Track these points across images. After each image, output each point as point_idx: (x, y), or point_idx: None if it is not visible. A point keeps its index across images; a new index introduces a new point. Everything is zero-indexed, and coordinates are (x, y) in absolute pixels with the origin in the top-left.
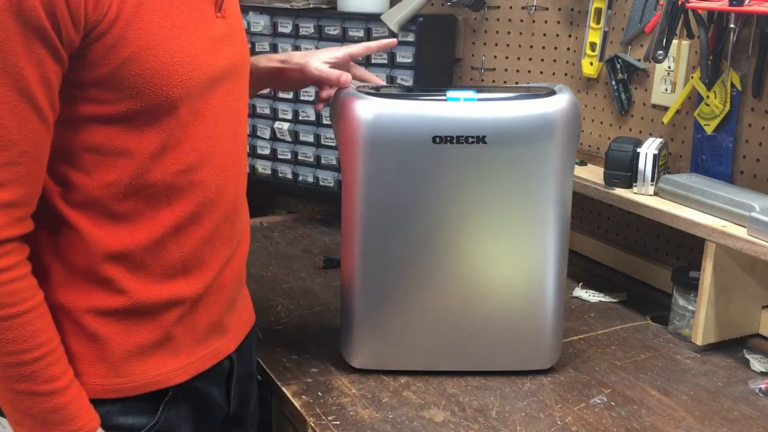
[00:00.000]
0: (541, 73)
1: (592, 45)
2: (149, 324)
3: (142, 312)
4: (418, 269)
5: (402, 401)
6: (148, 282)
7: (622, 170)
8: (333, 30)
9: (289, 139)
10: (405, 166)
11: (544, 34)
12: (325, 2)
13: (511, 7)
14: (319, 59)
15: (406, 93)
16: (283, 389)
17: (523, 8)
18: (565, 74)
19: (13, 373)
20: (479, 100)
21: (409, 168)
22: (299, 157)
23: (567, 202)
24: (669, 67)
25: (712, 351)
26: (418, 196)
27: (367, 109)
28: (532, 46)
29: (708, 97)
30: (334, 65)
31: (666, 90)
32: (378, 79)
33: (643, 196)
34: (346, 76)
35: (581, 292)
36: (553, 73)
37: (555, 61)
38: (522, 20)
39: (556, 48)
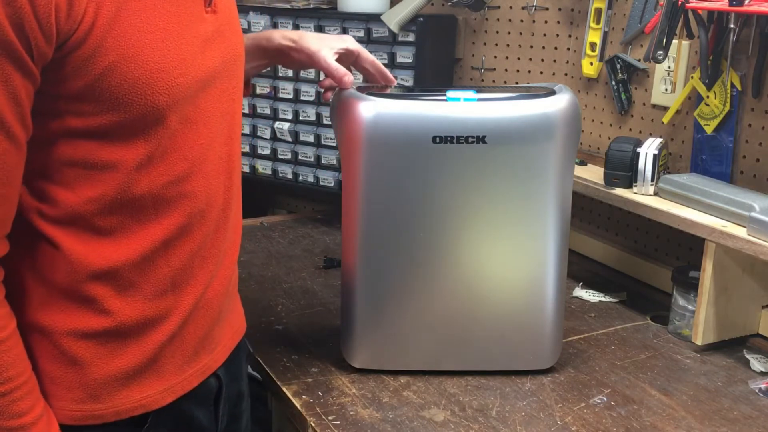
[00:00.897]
0: (541, 73)
1: (592, 45)
2: (134, 346)
3: (127, 333)
4: (419, 269)
5: (402, 401)
6: (135, 301)
7: (622, 170)
8: (333, 30)
9: (290, 139)
10: (405, 166)
11: (544, 34)
12: (325, 2)
13: (511, 7)
14: (331, 48)
15: (407, 93)
16: (284, 389)
17: (523, 8)
18: (565, 74)
19: None
20: (479, 100)
21: (409, 168)
22: (299, 157)
23: (567, 202)
24: (669, 67)
25: (712, 351)
26: (418, 196)
27: (367, 109)
28: (532, 46)
29: (708, 97)
30: (344, 56)
31: (666, 90)
32: (390, 76)
33: (643, 196)
34: (348, 78)
35: (581, 292)
36: (553, 73)
37: (555, 61)
38: (522, 20)
39: (556, 48)
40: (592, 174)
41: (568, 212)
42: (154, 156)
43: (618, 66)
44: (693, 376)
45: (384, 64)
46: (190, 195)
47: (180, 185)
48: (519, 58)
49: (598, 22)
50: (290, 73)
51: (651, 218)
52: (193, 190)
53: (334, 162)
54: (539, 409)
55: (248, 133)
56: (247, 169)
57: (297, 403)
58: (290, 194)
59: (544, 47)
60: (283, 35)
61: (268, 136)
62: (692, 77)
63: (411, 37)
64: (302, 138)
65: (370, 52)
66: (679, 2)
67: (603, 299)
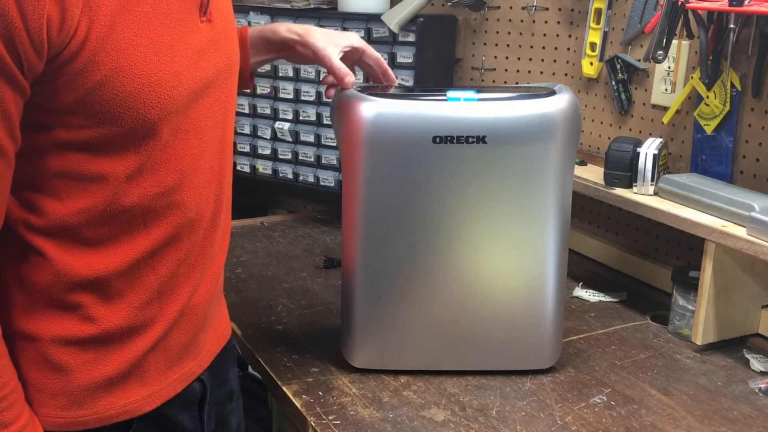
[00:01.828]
0: (541, 73)
1: (592, 45)
2: (118, 353)
3: (112, 340)
4: (419, 269)
5: (402, 401)
6: (120, 309)
7: (622, 170)
8: (333, 30)
9: (290, 139)
10: (405, 166)
11: (544, 35)
12: (325, 2)
13: (511, 7)
14: (336, 46)
15: (407, 93)
16: (284, 389)
17: (523, 8)
18: (565, 74)
19: None
20: (479, 100)
21: (409, 168)
22: (300, 157)
23: (567, 202)
24: (669, 67)
25: (712, 351)
26: (419, 196)
27: (367, 109)
28: (532, 46)
29: (708, 97)
30: (349, 53)
31: (666, 90)
32: (393, 75)
33: (643, 195)
34: (350, 78)
35: (581, 292)
36: (553, 73)
37: (555, 61)
38: (522, 20)
39: (556, 48)
40: (592, 174)
41: (568, 212)
42: (145, 167)
43: (618, 66)
44: (693, 376)
45: None
46: (180, 205)
47: (170, 196)
48: (519, 58)
49: (598, 22)
50: (290, 73)
51: (651, 218)
52: (183, 201)
53: (335, 162)
54: (539, 408)
55: (248, 133)
56: (247, 169)
57: (297, 403)
58: (290, 194)
59: (544, 47)
60: (289, 28)
61: (268, 136)
62: (692, 77)
63: (411, 37)
64: (302, 138)
65: None
66: (679, 2)
67: (603, 299)
